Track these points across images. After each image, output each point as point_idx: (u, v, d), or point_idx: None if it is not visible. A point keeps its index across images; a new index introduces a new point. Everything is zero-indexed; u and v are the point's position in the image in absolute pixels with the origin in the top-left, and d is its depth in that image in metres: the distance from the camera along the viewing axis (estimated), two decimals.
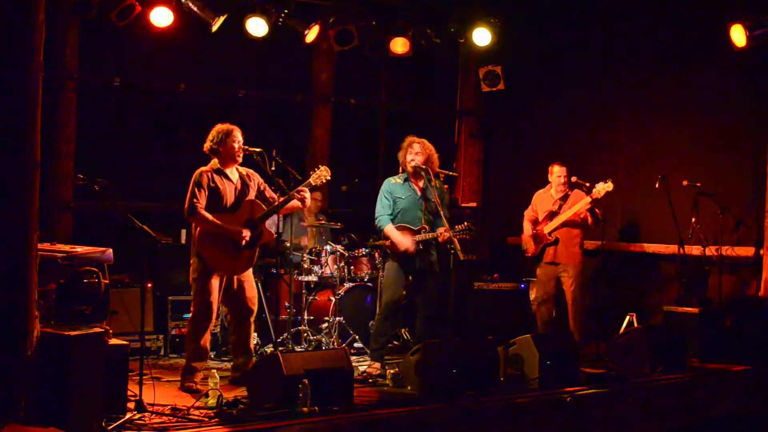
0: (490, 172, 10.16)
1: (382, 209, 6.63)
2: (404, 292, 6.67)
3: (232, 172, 5.95)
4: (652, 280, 8.57)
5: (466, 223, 6.46)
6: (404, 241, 6.50)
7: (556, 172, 7.64)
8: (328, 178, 6.12)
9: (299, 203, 5.94)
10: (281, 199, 5.90)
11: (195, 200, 5.70)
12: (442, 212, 6.42)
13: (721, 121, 8.07)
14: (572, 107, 9.37)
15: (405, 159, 6.62)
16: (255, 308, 6.03)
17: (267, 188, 6.09)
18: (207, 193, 5.76)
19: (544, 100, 9.65)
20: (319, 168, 6.10)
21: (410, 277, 6.62)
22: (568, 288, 7.49)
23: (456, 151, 10.13)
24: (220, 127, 5.89)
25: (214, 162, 5.89)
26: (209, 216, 5.71)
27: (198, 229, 5.79)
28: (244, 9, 7.59)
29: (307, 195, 5.96)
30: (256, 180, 6.07)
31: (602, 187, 7.31)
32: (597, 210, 7.40)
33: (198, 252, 5.77)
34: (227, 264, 5.78)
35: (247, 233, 5.76)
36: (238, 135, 5.87)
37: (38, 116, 4.53)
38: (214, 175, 5.84)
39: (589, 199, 7.36)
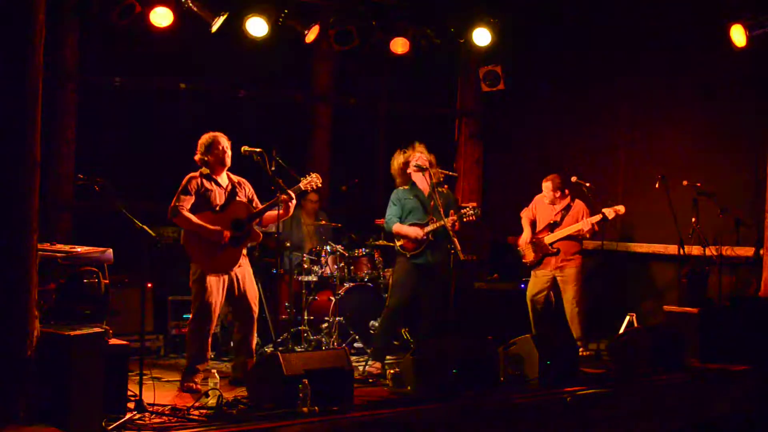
0: (490, 172, 10.16)
1: (390, 213, 6.73)
2: (412, 293, 6.69)
3: (222, 178, 6.04)
4: (652, 280, 8.57)
5: (472, 204, 6.54)
6: (412, 230, 6.58)
7: (544, 189, 7.67)
8: (319, 185, 6.21)
9: (282, 210, 5.93)
10: (268, 203, 5.92)
11: (179, 203, 5.80)
12: (441, 213, 6.44)
13: (721, 121, 8.07)
14: (572, 107, 9.36)
15: (406, 166, 6.68)
16: (256, 308, 6.05)
17: (255, 199, 6.15)
18: (193, 198, 5.85)
19: (544, 100, 9.65)
20: (310, 174, 6.17)
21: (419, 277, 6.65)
22: (568, 292, 7.50)
23: (456, 151, 10.13)
24: (204, 137, 6.00)
25: (204, 169, 5.97)
26: (192, 217, 5.79)
27: (183, 231, 5.87)
28: (244, 9, 7.59)
29: (292, 202, 5.97)
30: (246, 189, 6.15)
31: (612, 210, 7.31)
32: (596, 227, 7.42)
33: (187, 253, 5.83)
34: (212, 262, 5.82)
35: (226, 233, 5.79)
36: (222, 141, 5.96)
37: (38, 116, 4.53)
38: (203, 180, 5.92)
39: (597, 218, 7.35)
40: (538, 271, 7.66)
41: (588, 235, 7.52)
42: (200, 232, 5.78)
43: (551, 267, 7.56)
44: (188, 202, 5.82)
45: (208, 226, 5.79)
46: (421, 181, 6.71)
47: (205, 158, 5.96)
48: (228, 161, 5.98)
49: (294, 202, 6.03)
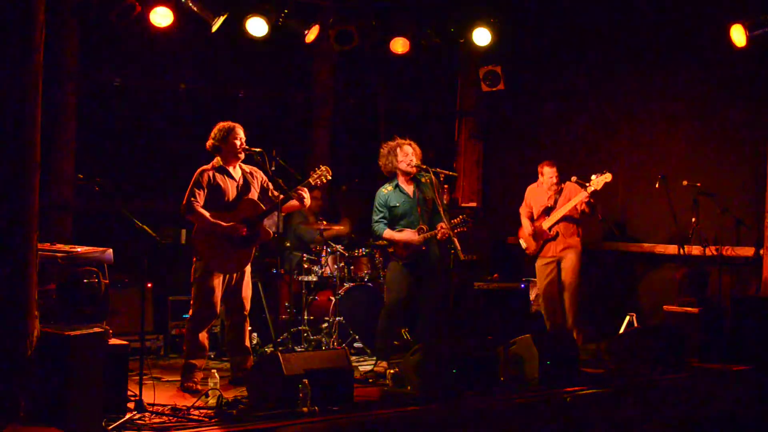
0: (490, 172, 10.16)
1: (376, 219, 6.64)
2: (408, 292, 6.70)
3: (235, 170, 5.97)
4: (652, 280, 8.56)
5: (461, 216, 6.47)
6: (406, 235, 6.51)
7: (547, 174, 7.70)
8: (329, 178, 6.12)
9: (298, 203, 5.96)
10: (280, 197, 5.90)
11: (192, 198, 5.74)
12: (441, 208, 6.42)
13: (721, 121, 8.07)
14: (572, 107, 9.37)
15: (397, 162, 6.60)
16: (248, 307, 6.03)
17: (270, 187, 6.09)
18: (206, 192, 5.79)
19: (543, 100, 9.65)
20: (319, 168, 6.10)
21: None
22: (566, 279, 7.54)
23: (456, 151, 10.13)
24: (222, 124, 5.92)
25: (217, 160, 5.92)
26: (206, 213, 5.73)
27: (195, 227, 5.82)
28: (244, 9, 7.59)
29: (306, 195, 5.96)
30: (259, 178, 6.08)
31: (601, 179, 7.36)
32: (593, 201, 7.42)
33: (196, 251, 5.79)
34: (223, 262, 5.79)
35: (243, 228, 5.77)
36: (239, 132, 5.90)
37: (38, 116, 4.53)
38: (216, 174, 5.86)
39: (587, 192, 7.39)
40: (540, 261, 7.69)
41: (588, 210, 7.51)
42: (214, 229, 5.74)
43: (552, 253, 7.61)
44: (201, 196, 5.76)
45: (223, 223, 5.74)
46: (407, 183, 6.65)
47: (219, 145, 5.87)
48: (241, 155, 5.91)
49: (307, 200, 6.00)
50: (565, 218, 7.58)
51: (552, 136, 9.50)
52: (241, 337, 5.99)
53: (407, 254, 6.54)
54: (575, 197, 7.50)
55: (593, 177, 7.41)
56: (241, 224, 5.80)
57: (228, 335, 6.08)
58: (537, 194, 7.81)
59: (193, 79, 8.41)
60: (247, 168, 6.06)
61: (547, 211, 7.65)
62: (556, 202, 7.64)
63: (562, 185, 7.69)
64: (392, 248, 6.60)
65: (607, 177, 7.38)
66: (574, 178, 7.61)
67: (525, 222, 7.81)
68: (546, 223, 7.60)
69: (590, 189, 7.40)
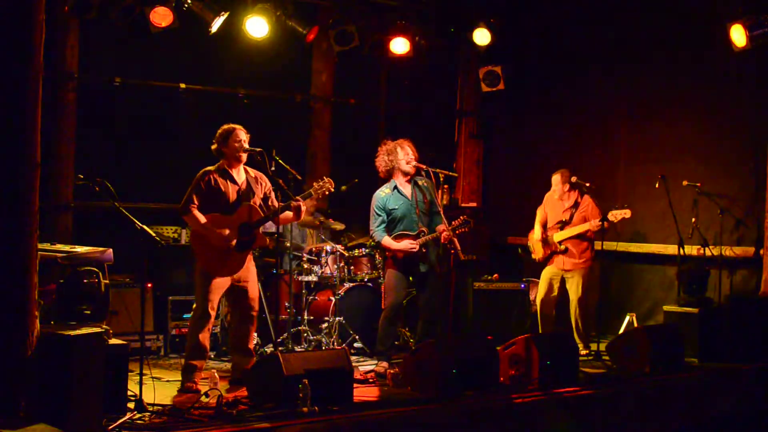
0: (490, 172, 10.16)
1: (375, 224, 6.63)
2: (407, 293, 6.70)
3: (239, 174, 5.96)
4: (652, 280, 8.57)
5: (462, 217, 6.48)
6: (403, 245, 6.50)
7: (553, 182, 7.67)
8: (332, 190, 6.10)
9: (293, 214, 5.95)
10: (279, 205, 5.88)
11: (190, 199, 5.76)
12: (440, 209, 6.43)
13: (721, 121, 8.07)
14: (572, 107, 9.36)
15: (398, 161, 6.60)
16: (257, 307, 6.04)
17: (273, 197, 6.08)
18: (206, 193, 5.79)
19: (543, 100, 9.65)
20: (322, 179, 6.09)
21: (410, 278, 6.64)
22: (574, 291, 7.50)
23: (456, 151, 10.13)
24: (223, 127, 5.94)
25: (221, 162, 5.92)
26: (201, 217, 5.74)
27: (192, 229, 5.83)
28: (244, 9, 7.59)
29: (303, 207, 5.96)
30: (264, 185, 6.07)
31: (619, 214, 7.29)
32: (606, 225, 7.38)
33: (193, 251, 5.82)
34: (217, 265, 5.80)
35: (232, 243, 5.76)
36: (240, 134, 5.89)
37: (38, 116, 4.53)
38: (218, 177, 5.86)
39: (600, 222, 7.33)
40: (547, 270, 7.67)
41: (594, 237, 7.52)
42: (207, 235, 5.75)
43: (560, 266, 7.57)
44: (199, 198, 5.77)
45: (215, 231, 5.74)
46: (405, 185, 6.66)
47: (221, 149, 5.89)
48: (242, 157, 5.90)
49: (305, 207, 6.01)
50: (576, 236, 7.53)
51: (552, 137, 9.50)
52: (245, 338, 5.99)
53: (404, 260, 6.53)
54: (589, 221, 7.41)
55: (613, 210, 7.30)
56: (238, 230, 5.79)
57: (232, 335, 6.09)
58: (554, 205, 7.74)
59: (193, 79, 8.41)
60: (253, 173, 6.05)
61: (562, 225, 7.61)
62: (571, 216, 7.59)
63: (580, 199, 7.63)
64: (391, 252, 6.60)
65: (626, 213, 7.30)
66: (574, 178, 7.60)
67: (537, 227, 7.77)
68: (557, 237, 7.57)
69: (606, 223, 7.32)
